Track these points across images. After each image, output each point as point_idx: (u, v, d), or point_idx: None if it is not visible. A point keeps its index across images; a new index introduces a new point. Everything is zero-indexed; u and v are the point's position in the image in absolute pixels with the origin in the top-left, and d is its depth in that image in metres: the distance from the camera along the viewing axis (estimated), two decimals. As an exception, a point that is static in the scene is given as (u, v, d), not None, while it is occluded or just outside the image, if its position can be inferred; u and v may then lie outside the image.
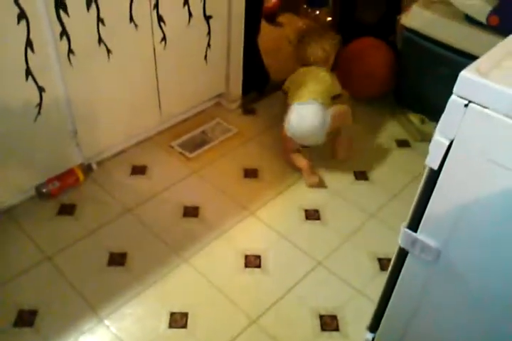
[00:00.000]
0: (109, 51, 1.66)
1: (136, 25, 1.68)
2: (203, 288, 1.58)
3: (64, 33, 1.50)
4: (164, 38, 1.81)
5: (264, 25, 2.63)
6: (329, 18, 2.50)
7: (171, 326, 1.47)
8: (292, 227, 1.78)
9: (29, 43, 1.44)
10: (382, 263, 1.67)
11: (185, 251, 1.68)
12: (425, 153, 0.87)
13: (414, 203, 0.97)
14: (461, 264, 0.96)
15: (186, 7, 1.80)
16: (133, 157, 2.01)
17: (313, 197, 1.90)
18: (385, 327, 1.26)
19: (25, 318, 1.46)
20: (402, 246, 1.03)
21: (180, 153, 2.05)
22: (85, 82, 1.67)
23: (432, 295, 1.08)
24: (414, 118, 2.22)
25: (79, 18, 1.51)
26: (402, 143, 2.17)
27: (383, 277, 1.18)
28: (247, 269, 1.63)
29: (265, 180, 1.96)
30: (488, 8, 1.79)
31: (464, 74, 0.76)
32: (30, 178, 1.74)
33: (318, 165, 2.02)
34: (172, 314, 1.50)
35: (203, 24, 1.92)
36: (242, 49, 2.12)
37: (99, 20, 1.57)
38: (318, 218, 1.82)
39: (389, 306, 1.20)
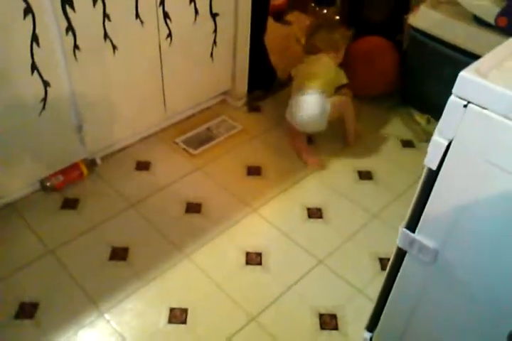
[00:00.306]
0: (114, 47, 1.66)
1: (142, 22, 1.69)
2: (204, 284, 1.58)
3: (70, 28, 1.51)
4: (170, 35, 1.81)
5: (272, 24, 2.63)
6: (337, 17, 2.50)
7: (170, 321, 1.47)
8: (294, 225, 1.78)
9: (35, 38, 1.45)
10: (383, 263, 1.66)
11: (186, 247, 1.68)
12: (430, 154, 0.87)
13: (412, 203, 0.97)
14: (459, 265, 0.96)
15: (193, 4, 1.81)
16: (137, 152, 2.02)
17: (316, 196, 1.90)
18: (383, 326, 1.26)
19: (27, 310, 1.47)
20: (400, 246, 1.03)
21: (185, 149, 2.06)
22: (90, 77, 1.68)
23: (430, 295, 1.08)
24: (420, 118, 2.21)
25: (85, 13, 1.52)
26: (407, 143, 2.16)
27: (384, 277, 1.18)
28: (248, 266, 1.64)
29: (268, 177, 1.97)
30: (497, 9, 1.78)
31: (464, 74, 0.75)
32: (35, 172, 1.75)
33: (324, 165, 2.03)
34: (172, 309, 1.50)
35: (209, 21, 1.92)
36: (248, 47, 2.12)
37: (105, 15, 1.57)
38: (320, 217, 1.82)
39: (387, 306, 1.20)
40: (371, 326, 1.31)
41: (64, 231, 1.70)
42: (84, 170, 1.86)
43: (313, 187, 1.94)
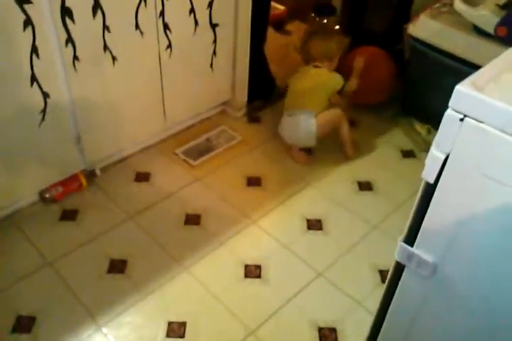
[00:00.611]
0: (114, 58, 1.66)
1: (141, 33, 1.69)
2: (202, 298, 1.57)
3: (69, 39, 1.51)
4: (170, 46, 1.82)
5: (272, 33, 2.63)
6: (337, 27, 2.50)
7: (168, 335, 1.46)
8: (294, 237, 1.77)
9: (35, 49, 1.45)
10: (384, 275, 1.65)
11: (185, 259, 1.67)
12: (430, 164, 0.86)
13: (410, 217, 0.96)
14: (458, 279, 0.95)
15: (192, 15, 1.81)
16: (137, 163, 2.02)
17: (315, 207, 1.89)
18: (383, 339, 1.25)
19: (24, 324, 1.46)
20: (398, 260, 1.01)
21: (184, 160, 2.05)
22: (90, 88, 1.68)
23: (429, 309, 1.06)
24: (421, 128, 2.20)
25: (85, 25, 1.52)
26: (408, 154, 2.15)
27: (383, 289, 1.16)
28: (247, 279, 1.62)
29: (268, 188, 1.96)
30: (496, 19, 1.78)
31: (460, 88, 0.75)
32: (34, 183, 1.75)
33: (322, 175, 2.02)
34: (170, 323, 1.49)
35: (209, 32, 1.92)
36: (248, 57, 2.12)
37: (105, 27, 1.58)
38: (320, 228, 1.81)
39: (386, 319, 1.18)
40: (371, 339, 1.29)
41: (63, 243, 1.69)
42: (84, 182, 1.86)
43: (312, 198, 1.93)
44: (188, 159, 2.05)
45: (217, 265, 1.67)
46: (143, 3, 1.62)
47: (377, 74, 2.23)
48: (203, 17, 1.85)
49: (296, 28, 2.85)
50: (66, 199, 1.84)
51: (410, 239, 0.97)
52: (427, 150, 2.19)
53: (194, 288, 1.59)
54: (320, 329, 1.50)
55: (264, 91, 2.34)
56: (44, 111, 1.59)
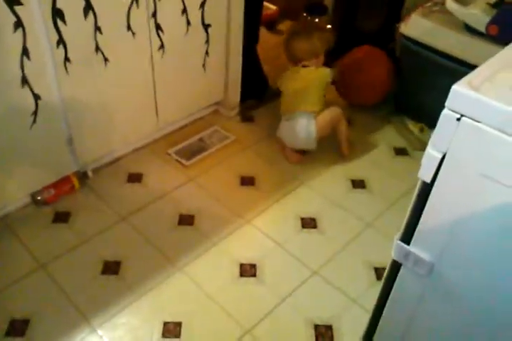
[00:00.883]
0: (106, 59, 1.65)
1: (133, 34, 1.68)
2: (197, 298, 1.56)
3: (61, 41, 1.50)
4: (162, 46, 1.81)
5: (264, 33, 2.63)
6: (329, 26, 2.50)
7: (164, 336, 1.45)
8: (288, 236, 1.77)
9: (25, 51, 1.44)
10: (379, 272, 1.65)
11: (180, 259, 1.67)
12: (424, 162, 0.87)
13: (407, 215, 0.97)
14: (455, 278, 0.96)
15: (185, 15, 1.80)
16: (129, 164, 2.01)
17: (309, 205, 1.89)
18: (379, 337, 1.25)
19: (17, 328, 1.44)
20: (395, 258, 1.02)
21: (177, 160, 2.05)
22: (82, 89, 1.67)
23: (425, 307, 1.07)
24: (414, 126, 2.21)
25: (76, 26, 1.51)
26: (401, 152, 2.16)
27: (379, 287, 1.17)
28: (242, 278, 1.62)
29: (262, 188, 1.96)
30: (488, 18, 1.79)
31: (456, 88, 0.75)
32: (26, 186, 1.73)
33: (316, 174, 2.03)
34: (165, 323, 1.48)
35: (201, 32, 1.92)
36: (240, 57, 2.12)
37: (97, 28, 1.57)
38: (314, 227, 1.81)
39: (383, 317, 1.19)
40: (368, 337, 1.30)
41: (56, 245, 1.68)
42: (76, 183, 1.84)
43: (306, 197, 1.93)
44: (181, 159, 2.05)
45: (211, 265, 1.66)
46: (135, 3, 1.61)
47: (376, 75, 2.23)
48: (195, 17, 1.85)
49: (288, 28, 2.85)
50: (58, 201, 1.82)
51: (407, 237, 0.98)
52: (420, 148, 2.23)
53: (189, 288, 1.59)
54: (316, 327, 1.50)
55: (257, 91, 2.34)
56: (35, 113, 1.58)
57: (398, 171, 2.06)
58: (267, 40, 2.55)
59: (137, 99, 1.88)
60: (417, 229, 0.94)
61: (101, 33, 1.58)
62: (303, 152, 2.09)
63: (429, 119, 2.20)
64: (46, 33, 1.46)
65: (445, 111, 0.78)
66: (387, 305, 1.16)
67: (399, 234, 1.01)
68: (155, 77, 1.86)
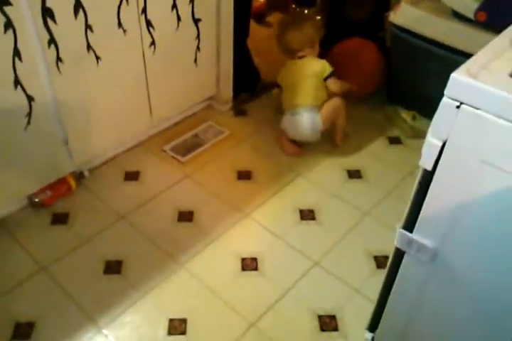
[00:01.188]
0: (98, 58, 1.64)
1: (124, 31, 1.67)
2: (201, 293, 1.57)
3: (52, 40, 1.49)
4: (153, 43, 1.80)
5: (253, 26, 2.62)
6: (318, 17, 2.50)
7: (170, 333, 1.46)
8: (288, 228, 1.78)
9: (17, 52, 1.43)
10: (379, 260, 1.67)
11: (181, 256, 1.67)
12: (417, 150, 0.88)
13: (409, 204, 0.97)
14: (458, 264, 0.97)
15: (175, 11, 1.80)
16: (125, 163, 2.00)
17: (307, 197, 1.90)
18: (384, 326, 1.26)
19: (23, 331, 1.44)
20: (398, 246, 1.03)
21: (173, 157, 2.04)
22: (75, 89, 1.66)
23: (430, 295, 1.08)
24: (406, 115, 2.22)
25: (67, 25, 1.50)
26: (394, 140, 2.18)
27: (380, 275, 1.18)
28: (244, 272, 1.63)
29: (259, 181, 1.96)
30: (476, 4, 1.79)
31: (455, 76, 0.76)
32: (22, 188, 1.72)
33: (312, 165, 2.03)
34: (171, 320, 1.49)
35: (192, 27, 1.91)
36: (231, 51, 2.12)
37: (87, 26, 1.55)
38: (313, 218, 1.82)
39: (387, 305, 1.20)
40: (372, 326, 1.31)
41: (55, 247, 1.68)
42: (73, 184, 1.84)
43: (303, 189, 1.94)
44: (176, 156, 2.05)
45: (213, 260, 1.67)
46: (124, 0, 1.60)
47: (367, 66, 2.24)
48: (185, 12, 1.84)
49: (277, 20, 2.83)
50: (56, 202, 1.82)
51: (409, 225, 0.99)
52: (412, 136, 2.24)
53: (192, 284, 1.60)
54: (320, 318, 1.51)
55: (250, 84, 2.33)
56: (29, 114, 1.56)
57: (393, 159, 2.07)
58: (256, 33, 2.54)
59: (130, 97, 1.87)
60: (419, 217, 0.95)
61: (92, 31, 1.57)
62: (300, 144, 2.09)
63: (421, 106, 2.23)
64: (37, 33, 1.45)
65: (444, 99, 0.78)
66: (391, 293, 1.16)
67: (401, 222, 1.01)
68: (147, 73, 1.86)
